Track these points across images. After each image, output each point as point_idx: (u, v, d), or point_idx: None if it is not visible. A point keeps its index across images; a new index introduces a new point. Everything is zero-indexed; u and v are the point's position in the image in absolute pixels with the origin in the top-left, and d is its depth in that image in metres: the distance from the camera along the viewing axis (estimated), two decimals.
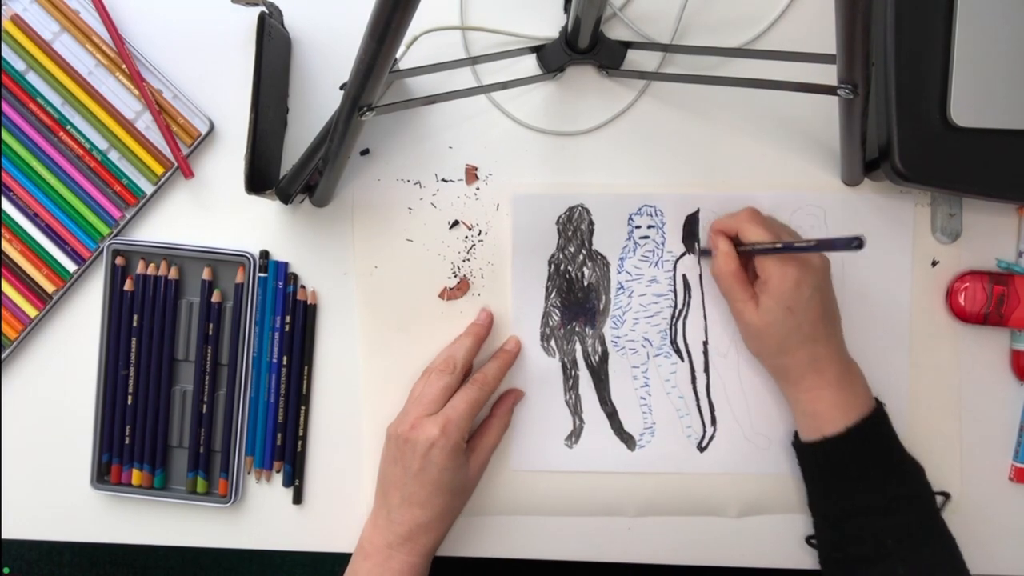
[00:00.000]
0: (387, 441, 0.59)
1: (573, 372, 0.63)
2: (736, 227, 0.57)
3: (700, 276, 0.63)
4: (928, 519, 0.56)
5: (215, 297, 0.62)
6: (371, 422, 0.63)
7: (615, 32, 0.62)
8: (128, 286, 0.62)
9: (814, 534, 0.60)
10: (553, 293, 0.63)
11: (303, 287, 0.63)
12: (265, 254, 0.63)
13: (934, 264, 0.62)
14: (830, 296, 0.57)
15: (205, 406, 0.63)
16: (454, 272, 0.62)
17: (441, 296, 0.62)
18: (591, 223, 0.62)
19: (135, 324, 0.62)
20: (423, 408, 0.57)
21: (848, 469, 0.56)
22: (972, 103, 0.55)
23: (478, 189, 0.62)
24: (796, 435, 0.60)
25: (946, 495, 0.60)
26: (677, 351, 0.63)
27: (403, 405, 0.60)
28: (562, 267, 0.63)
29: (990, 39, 0.55)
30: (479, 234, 0.62)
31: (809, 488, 0.60)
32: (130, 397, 0.62)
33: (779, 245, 0.54)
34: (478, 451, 0.59)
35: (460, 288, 0.62)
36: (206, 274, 0.62)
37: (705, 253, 0.62)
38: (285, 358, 0.62)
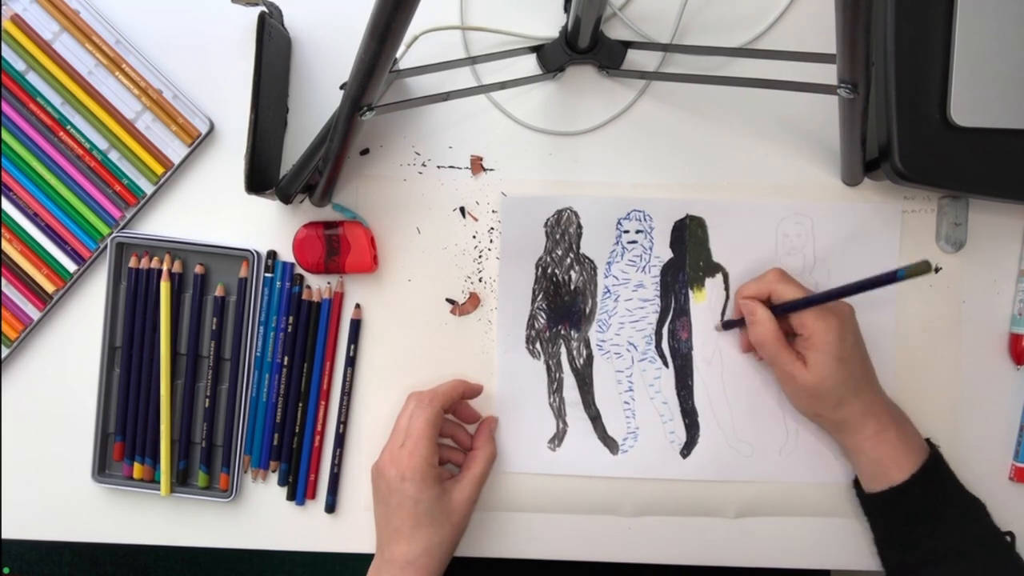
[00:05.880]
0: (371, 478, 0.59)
1: (558, 375, 0.63)
2: (767, 290, 0.58)
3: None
4: (1006, 558, 0.56)
5: (218, 291, 0.62)
6: (370, 419, 0.63)
7: (615, 32, 0.62)
8: (132, 264, 0.62)
9: None
10: (540, 296, 0.63)
11: (308, 287, 0.63)
12: (273, 254, 0.63)
13: (937, 271, 0.62)
14: (863, 342, 0.58)
15: (207, 400, 0.63)
16: (465, 281, 0.62)
17: (453, 313, 0.63)
18: (579, 227, 0.62)
19: (138, 317, 0.62)
20: (394, 441, 0.57)
21: (921, 514, 0.56)
22: (972, 103, 0.55)
23: (479, 186, 0.62)
24: (857, 485, 0.60)
25: (1011, 535, 0.58)
26: (661, 356, 0.63)
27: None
28: (549, 270, 0.62)
29: (990, 39, 0.55)
30: (488, 240, 0.62)
31: (879, 538, 0.60)
32: (131, 389, 0.62)
33: (817, 294, 0.54)
34: (463, 483, 0.58)
35: (471, 303, 0.62)
36: (198, 269, 0.62)
37: (729, 325, 0.62)
38: (286, 358, 0.62)
